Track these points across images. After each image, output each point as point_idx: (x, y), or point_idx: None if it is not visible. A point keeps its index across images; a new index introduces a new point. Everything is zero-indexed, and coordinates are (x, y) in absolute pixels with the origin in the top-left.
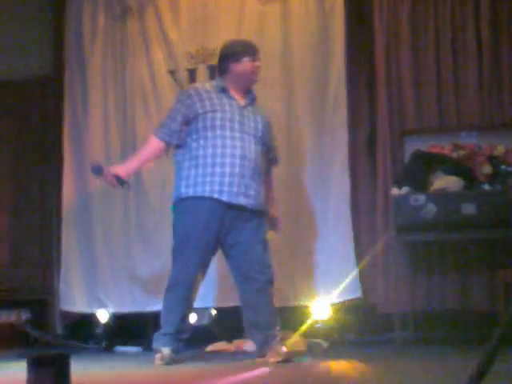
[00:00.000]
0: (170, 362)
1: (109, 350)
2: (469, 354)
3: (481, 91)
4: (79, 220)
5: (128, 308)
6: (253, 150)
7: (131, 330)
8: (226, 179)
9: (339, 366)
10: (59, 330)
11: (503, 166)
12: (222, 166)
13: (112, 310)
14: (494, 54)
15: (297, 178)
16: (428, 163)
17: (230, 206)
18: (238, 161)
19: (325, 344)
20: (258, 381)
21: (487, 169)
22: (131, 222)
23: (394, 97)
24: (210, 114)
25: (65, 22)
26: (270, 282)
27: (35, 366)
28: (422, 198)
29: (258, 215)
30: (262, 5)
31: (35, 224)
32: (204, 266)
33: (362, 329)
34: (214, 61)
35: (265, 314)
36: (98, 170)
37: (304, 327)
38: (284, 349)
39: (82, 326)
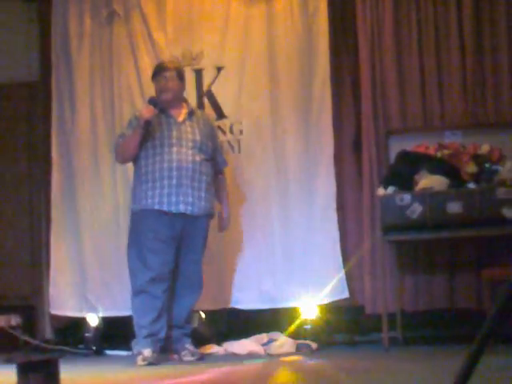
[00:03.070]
0: (153, 361)
1: (99, 353)
2: (456, 353)
3: (464, 90)
4: (68, 223)
5: (118, 312)
6: (190, 160)
7: (121, 334)
8: (165, 191)
9: (328, 366)
10: (49, 334)
11: (488, 165)
12: (161, 180)
13: (102, 313)
14: (476, 54)
15: (282, 178)
16: (413, 163)
17: (174, 214)
18: (174, 173)
19: (313, 345)
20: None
21: (472, 168)
22: (120, 224)
23: (379, 97)
24: (150, 136)
25: (51, 26)
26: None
27: (25, 370)
28: (407, 197)
29: (203, 219)
30: (247, 7)
31: (24, 227)
32: (165, 268)
33: (349, 329)
34: (200, 64)
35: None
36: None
37: (292, 328)
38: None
39: (71, 330)
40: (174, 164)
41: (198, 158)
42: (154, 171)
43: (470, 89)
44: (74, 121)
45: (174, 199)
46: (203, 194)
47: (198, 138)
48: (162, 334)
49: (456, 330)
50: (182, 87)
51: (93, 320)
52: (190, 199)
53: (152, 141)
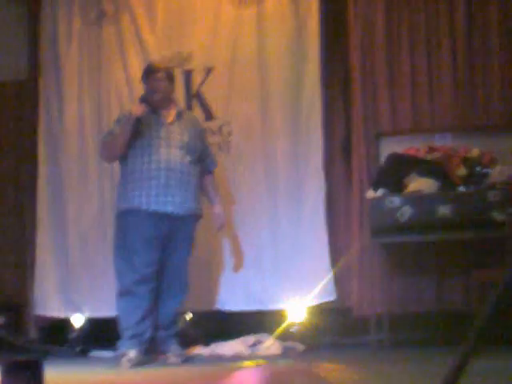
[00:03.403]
0: (138, 363)
1: (83, 354)
2: (445, 355)
3: (455, 93)
4: (54, 223)
5: (103, 312)
6: (178, 161)
7: (106, 335)
8: (153, 191)
9: (314, 369)
10: (34, 334)
11: (478, 168)
12: (148, 180)
13: (87, 314)
14: (468, 57)
15: (272, 180)
16: (403, 165)
17: (161, 215)
18: (162, 173)
19: (300, 347)
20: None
21: (462, 171)
22: (107, 224)
23: (369, 99)
24: (138, 136)
25: (40, 26)
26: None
27: (9, 370)
28: (397, 200)
29: (190, 220)
30: (237, 9)
31: (10, 227)
32: (151, 269)
33: (337, 331)
34: (190, 65)
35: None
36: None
37: (279, 330)
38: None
39: (56, 331)
40: (162, 164)
41: (185, 159)
42: (141, 171)
43: (460, 92)
44: (62, 121)
45: (161, 199)
46: (190, 195)
47: (186, 138)
48: (148, 335)
49: (444, 333)
50: (172, 88)
51: (78, 321)
52: (178, 200)
53: (140, 140)
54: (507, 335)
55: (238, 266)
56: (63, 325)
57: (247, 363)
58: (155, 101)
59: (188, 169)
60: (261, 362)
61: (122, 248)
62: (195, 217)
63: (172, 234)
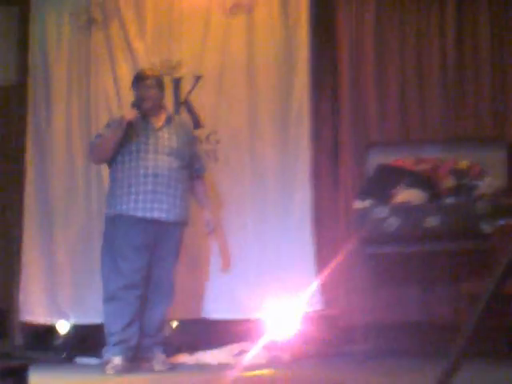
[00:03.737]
0: (123, 370)
1: (69, 361)
2: (431, 366)
3: (444, 104)
4: (41, 229)
5: (89, 319)
6: (166, 167)
7: (93, 341)
8: (140, 197)
9: (300, 378)
10: (19, 340)
11: (466, 180)
12: (136, 186)
13: (73, 320)
14: (457, 68)
15: (259, 189)
16: (391, 176)
17: (148, 221)
18: (150, 179)
19: (286, 356)
20: None
21: (450, 182)
22: (93, 230)
23: (358, 109)
24: (127, 142)
25: (29, 30)
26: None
27: None
28: (385, 210)
29: (177, 227)
30: (227, 17)
31: None
32: (137, 275)
33: (323, 341)
34: (179, 73)
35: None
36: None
37: (264, 339)
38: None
39: (42, 337)
40: (150, 170)
41: (174, 165)
42: (129, 177)
43: (450, 103)
44: (50, 125)
45: (148, 205)
46: (178, 202)
47: (174, 144)
48: (134, 342)
49: (432, 344)
50: (162, 96)
51: (64, 327)
52: (165, 206)
53: (129, 146)
54: (496, 347)
55: (225, 267)
56: (49, 331)
57: (233, 372)
58: (145, 108)
59: (176, 175)
60: (246, 371)
61: (110, 253)
62: (183, 223)
63: (159, 241)
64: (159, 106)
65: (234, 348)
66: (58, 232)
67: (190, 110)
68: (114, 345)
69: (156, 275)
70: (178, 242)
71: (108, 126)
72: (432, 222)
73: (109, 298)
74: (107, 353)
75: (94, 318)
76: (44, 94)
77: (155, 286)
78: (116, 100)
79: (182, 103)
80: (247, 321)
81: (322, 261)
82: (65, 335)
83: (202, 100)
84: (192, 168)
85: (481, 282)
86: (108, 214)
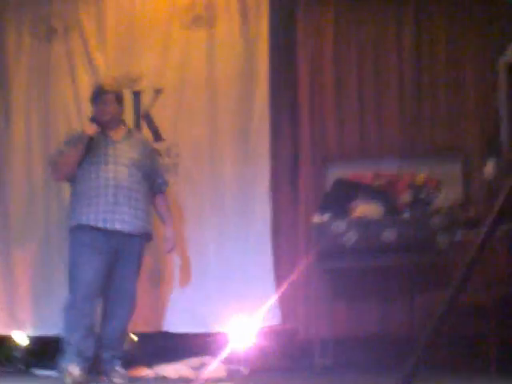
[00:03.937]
0: (80, 380)
1: (26, 372)
2: (389, 380)
3: (402, 118)
4: None
5: (46, 330)
6: (126, 178)
7: (50, 353)
8: (101, 208)
9: None
10: None
11: (423, 194)
12: (97, 197)
13: (30, 332)
14: (414, 84)
15: (219, 203)
16: (349, 191)
17: (110, 232)
18: (111, 190)
19: (245, 370)
20: None
21: (407, 197)
22: (51, 241)
23: (317, 123)
24: (87, 155)
25: None
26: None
27: None
28: (343, 224)
29: (139, 239)
30: (188, 30)
31: None
32: (97, 285)
33: (282, 354)
34: (139, 86)
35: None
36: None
37: (224, 353)
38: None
39: None
40: (111, 182)
41: (134, 177)
42: (90, 188)
43: (407, 118)
44: (8, 137)
45: (109, 216)
46: (140, 213)
47: (135, 156)
48: (91, 353)
49: (388, 357)
50: (121, 110)
51: (21, 338)
52: (127, 217)
53: (89, 159)
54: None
55: (184, 281)
56: (6, 342)
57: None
58: (104, 121)
59: (138, 186)
60: None
61: (71, 263)
62: (144, 235)
63: (120, 252)
64: (118, 121)
65: (194, 361)
66: (16, 244)
67: (150, 123)
68: (72, 355)
69: (117, 287)
70: (139, 254)
71: (68, 142)
72: (389, 236)
73: (68, 307)
74: (64, 360)
75: (51, 329)
76: (3, 104)
77: (116, 298)
78: (75, 110)
79: (143, 116)
80: (207, 334)
81: (281, 274)
82: (23, 347)
83: (162, 113)
84: (154, 183)
85: (436, 295)
86: (70, 225)
